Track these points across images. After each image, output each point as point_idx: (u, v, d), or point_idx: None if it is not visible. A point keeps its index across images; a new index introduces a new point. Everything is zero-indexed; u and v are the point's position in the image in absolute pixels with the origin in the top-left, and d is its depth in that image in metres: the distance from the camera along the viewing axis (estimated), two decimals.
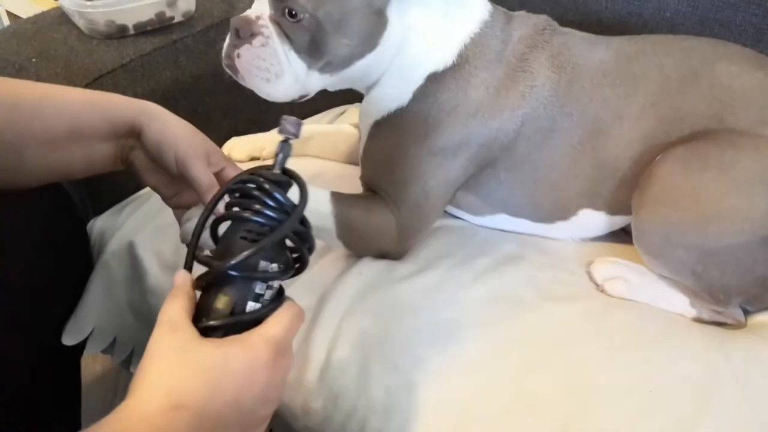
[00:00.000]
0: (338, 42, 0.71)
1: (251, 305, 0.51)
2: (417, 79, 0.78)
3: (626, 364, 0.70)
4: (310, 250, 0.55)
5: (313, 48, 0.71)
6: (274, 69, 0.71)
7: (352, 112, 1.17)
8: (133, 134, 0.67)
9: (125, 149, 0.69)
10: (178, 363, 0.47)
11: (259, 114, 1.08)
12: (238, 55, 0.71)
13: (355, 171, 0.95)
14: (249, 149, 0.99)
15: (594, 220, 0.85)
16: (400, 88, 0.78)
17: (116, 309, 0.87)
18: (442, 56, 0.77)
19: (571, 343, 0.72)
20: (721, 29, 0.97)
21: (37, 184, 0.69)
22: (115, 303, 0.87)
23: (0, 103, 0.63)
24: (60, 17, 1.03)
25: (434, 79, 0.77)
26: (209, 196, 0.62)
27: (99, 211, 0.95)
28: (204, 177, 0.65)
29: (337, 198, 0.78)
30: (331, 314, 0.74)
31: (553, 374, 0.69)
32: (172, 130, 0.67)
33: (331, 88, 0.80)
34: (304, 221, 0.54)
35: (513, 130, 0.79)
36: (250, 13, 0.72)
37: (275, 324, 0.51)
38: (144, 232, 0.88)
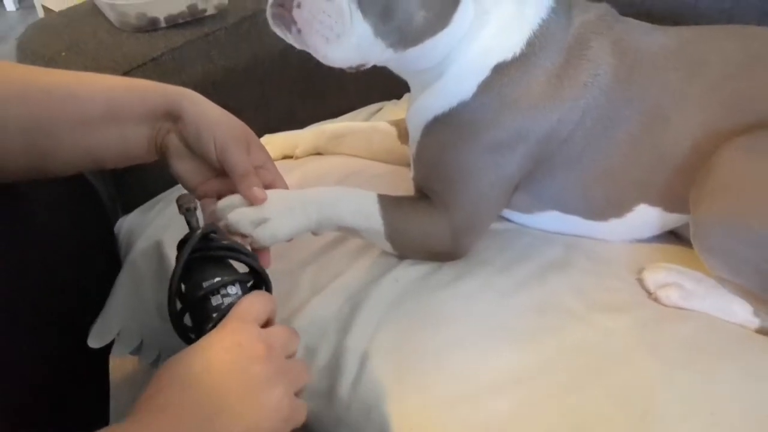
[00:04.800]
0: (414, 10, 0.66)
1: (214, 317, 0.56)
2: (484, 71, 0.73)
3: (684, 383, 0.64)
4: (246, 254, 0.61)
5: (385, 13, 0.65)
6: (337, 28, 0.63)
7: (389, 109, 1.13)
8: (170, 117, 0.66)
9: (161, 133, 0.67)
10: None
11: (293, 109, 1.06)
12: (299, 5, 0.62)
13: (393, 171, 0.93)
14: (282, 147, 0.97)
15: (649, 218, 0.80)
16: (465, 81, 0.73)
17: (143, 310, 0.85)
18: (511, 45, 0.73)
19: (621, 358, 0.67)
20: None
21: (69, 171, 0.68)
22: (142, 304, 0.85)
23: (34, 88, 0.62)
24: (91, 10, 1.01)
25: (500, 71, 0.73)
26: (245, 184, 0.65)
27: (128, 210, 0.93)
28: (242, 163, 0.65)
29: (386, 199, 0.75)
30: (365, 323, 0.70)
31: (602, 393, 0.63)
32: (213, 114, 0.66)
33: (391, 66, 0.75)
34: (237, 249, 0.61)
35: (573, 122, 0.74)
36: None
37: (236, 306, 0.55)
38: (172, 230, 0.85)
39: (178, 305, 0.58)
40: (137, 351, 0.90)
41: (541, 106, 0.73)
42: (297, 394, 0.54)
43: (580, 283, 0.76)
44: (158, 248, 0.84)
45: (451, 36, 0.71)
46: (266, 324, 0.57)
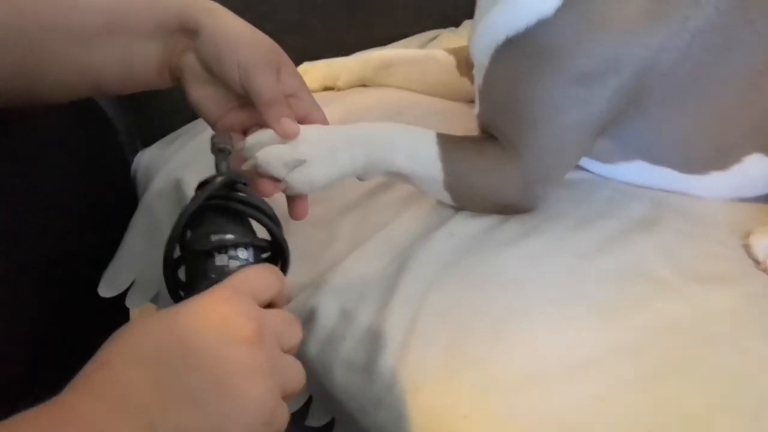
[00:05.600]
0: None
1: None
2: None
3: None
4: (270, 218, 0.51)
5: None
6: None
7: (445, 37, 1.01)
8: (185, 32, 0.56)
9: (175, 52, 0.57)
10: None
11: (336, 35, 0.95)
12: None
13: (450, 107, 0.82)
14: (323, 77, 0.86)
15: (760, 171, 0.67)
16: None
17: (160, 257, 0.75)
18: None
19: (726, 341, 0.55)
20: None
21: (65, 96, 0.59)
22: (158, 250, 0.74)
23: None
24: None
25: None
26: (273, 114, 0.56)
27: (148, 145, 0.84)
28: (270, 88, 0.55)
29: (446, 140, 0.63)
30: (413, 284, 0.59)
31: (700, 383, 0.52)
32: (237, 30, 0.56)
33: None
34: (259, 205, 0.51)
35: (678, 49, 0.61)
36: None
37: (235, 274, 0.45)
38: (195, 168, 0.75)
39: (177, 252, 0.48)
40: (155, 301, 0.82)
41: (640, 29, 0.60)
42: (284, 399, 0.43)
43: (673, 247, 0.64)
44: (177, 188, 0.74)
45: None
46: (268, 306, 0.46)
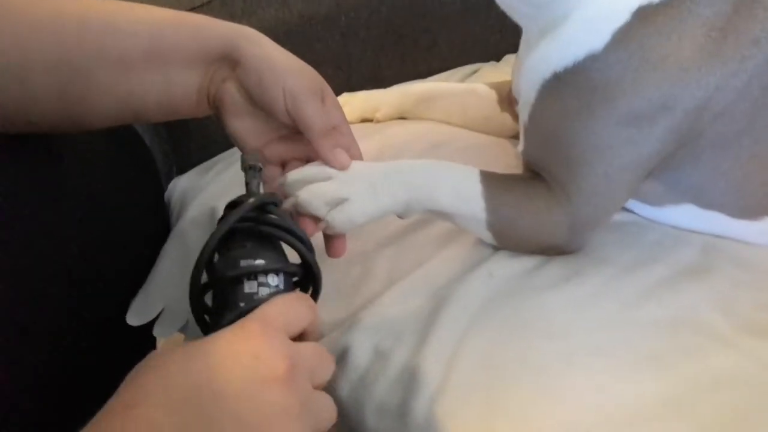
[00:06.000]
0: None
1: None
2: (620, 15, 0.57)
3: None
4: (303, 242, 0.50)
5: None
6: None
7: (486, 71, 0.99)
8: (227, 62, 0.55)
9: (215, 81, 0.56)
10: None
11: (377, 67, 0.94)
12: None
13: (490, 142, 0.79)
14: (362, 108, 0.85)
15: None
16: (596, 27, 0.58)
17: None
18: None
19: None
20: None
21: (106, 122, 0.58)
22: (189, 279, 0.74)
23: (69, 17, 0.52)
24: None
25: (643, 17, 0.57)
26: (327, 144, 0.55)
27: (183, 171, 0.83)
28: (321, 118, 0.54)
29: (490, 179, 0.61)
30: (450, 326, 0.57)
31: None
32: (281, 59, 0.55)
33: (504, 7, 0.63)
34: (290, 228, 0.49)
35: (736, 90, 0.58)
36: None
37: (265, 304, 0.43)
38: (230, 196, 0.72)
39: (205, 277, 0.47)
40: (183, 330, 0.80)
41: (696, 68, 0.57)
42: None
43: (725, 296, 0.60)
44: (212, 216, 0.73)
45: None
46: (299, 338, 0.44)
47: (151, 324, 0.75)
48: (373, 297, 0.61)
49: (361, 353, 0.57)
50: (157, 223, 0.79)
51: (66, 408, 0.65)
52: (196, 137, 0.84)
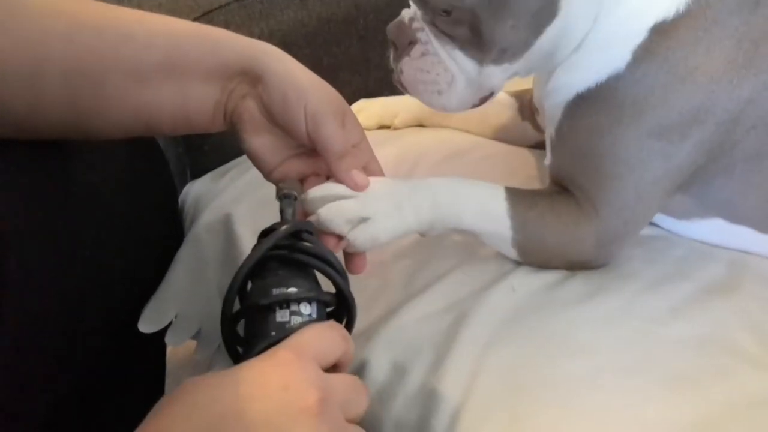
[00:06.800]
0: (502, 26, 0.56)
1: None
2: (637, 33, 0.57)
3: None
4: (338, 271, 0.49)
5: (477, 40, 0.58)
6: (443, 78, 0.60)
7: None
8: (246, 78, 0.54)
9: (233, 96, 0.55)
10: None
11: None
12: (401, 71, 0.61)
13: (509, 151, 0.78)
14: (379, 115, 0.85)
15: None
16: (614, 48, 0.58)
17: (204, 294, 0.73)
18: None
19: None
20: None
21: (117, 133, 0.57)
22: (203, 286, 0.73)
23: (84, 25, 0.51)
24: None
25: (662, 33, 0.57)
26: (344, 166, 0.55)
27: (198, 175, 0.82)
28: (340, 139, 0.53)
29: (516, 196, 0.61)
30: (471, 341, 0.56)
31: None
32: (304, 78, 0.54)
33: (522, 75, 0.64)
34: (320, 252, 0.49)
35: None
36: (403, 15, 0.61)
37: (298, 333, 0.43)
38: (245, 203, 0.73)
39: (237, 305, 0.46)
40: (196, 338, 0.79)
41: (726, 80, 0.57)
42: None
43: (754, 315, 0.59)
44: (226, 223, 0.72)
45: (572, 16, 0.57)
46: (332, 369, 0.43)
47: (163, 331, 0.74)
48: (391, 309, 0.60)
49: (378, 368, 0.56)
50: (170, 228, 0.78)
51: (78, 411, 0.65)
52: (211, 139, 0.83)
